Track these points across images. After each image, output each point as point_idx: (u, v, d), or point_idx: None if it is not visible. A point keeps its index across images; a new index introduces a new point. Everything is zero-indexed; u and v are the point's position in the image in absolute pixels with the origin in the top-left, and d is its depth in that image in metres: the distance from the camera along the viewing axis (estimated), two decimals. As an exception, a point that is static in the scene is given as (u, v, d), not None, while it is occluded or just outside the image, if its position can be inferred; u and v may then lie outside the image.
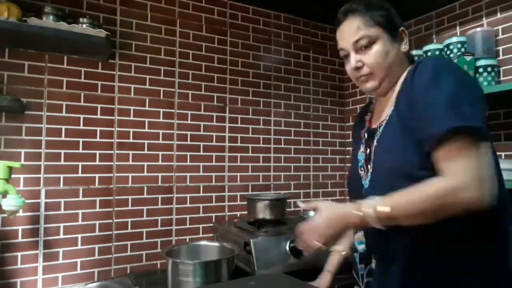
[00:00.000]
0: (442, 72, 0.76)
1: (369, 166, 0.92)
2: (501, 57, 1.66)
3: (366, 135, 0.98)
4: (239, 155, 1.90)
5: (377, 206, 0.76)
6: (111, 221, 1.57)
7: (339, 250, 1.16)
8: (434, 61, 0.80)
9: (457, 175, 0.70)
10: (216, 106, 1.86)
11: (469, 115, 0.71)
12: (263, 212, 1.58)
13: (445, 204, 0.70)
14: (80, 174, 1.53)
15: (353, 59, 0.91)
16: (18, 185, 1.41)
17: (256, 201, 1.60)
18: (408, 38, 0.93)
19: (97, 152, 1.57)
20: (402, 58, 0.92)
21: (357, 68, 0.91)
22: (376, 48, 0.89)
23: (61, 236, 1.48)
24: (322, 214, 0.84)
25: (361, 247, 1.00)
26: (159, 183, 1.69)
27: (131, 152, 1.64)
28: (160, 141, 1.70)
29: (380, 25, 0.89)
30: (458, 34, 1.85)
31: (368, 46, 0.89)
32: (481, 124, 0.71)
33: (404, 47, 0.92)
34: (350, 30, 0.90)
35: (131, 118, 1.65)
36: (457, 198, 0.69)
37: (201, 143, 1.81)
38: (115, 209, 1.59)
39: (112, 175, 1.59)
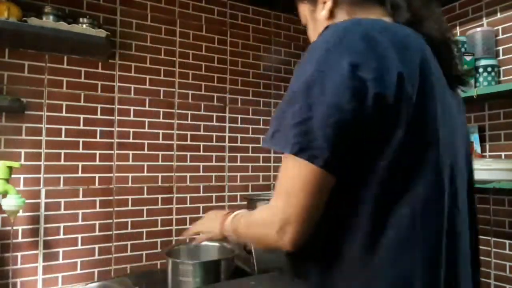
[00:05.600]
0: (301, 66, 0.58)
1: None
2: (501, 57, 1.66)
3: None
4: (239, 155, 1.90)
5: (230, 225, 0.81)
6: (111, 221, 1.57)
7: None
8: (312, 44, 0.59)
9: (270, 209, 0.60)
10: (216, 106, 1.86)
11: (288, 137, 0.54)
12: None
13: (257, 239, 0.69)
14: (80, 174, 1.53)
15: None
16: (18, 185, 1.41)
17: (256, 201, 1.60)
18: (329, 1, 0.69)
19: (97, 152, 1.57)
20: (320, 29, 0.66)
21: None
22: (308, 26, 0.78)
23: (61, 236, 1.48)
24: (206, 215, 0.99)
25: None
26: (159, 183, 1.69)
27: (131, 152, 1.64)
28: (160, 141, 1.70)
29: (302, 0, 0.78)
30: (458, 34, 1.85)
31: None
32: (296, 145, 0.53)
33: (320, 14, 0.70)
34: None
35: (131, 118, 1.65)
36: (263, 235, 0.62)
37: (201, 143, 1.81)
38: (115, 209, 1.59)
39: (112, 175, 1.59)
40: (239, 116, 1.92)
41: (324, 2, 0.69)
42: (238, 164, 1.90)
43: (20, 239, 1.41)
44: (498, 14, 1.67)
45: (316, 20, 0.73)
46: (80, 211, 1.52)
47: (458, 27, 1.87)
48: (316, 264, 0.61)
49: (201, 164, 1.80)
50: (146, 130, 1.68)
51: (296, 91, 0.55)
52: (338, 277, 0.58)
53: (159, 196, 1.69)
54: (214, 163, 1.83)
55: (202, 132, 1.81)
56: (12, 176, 1.27)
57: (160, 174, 1.69)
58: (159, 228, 1.68)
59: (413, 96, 0.53)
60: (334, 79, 0.52)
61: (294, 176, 0.55)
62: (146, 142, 1.67)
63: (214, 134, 1.84)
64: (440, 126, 0.56)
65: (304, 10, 0.77)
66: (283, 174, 0.58)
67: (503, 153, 1.65)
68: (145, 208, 1.65)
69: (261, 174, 1.96)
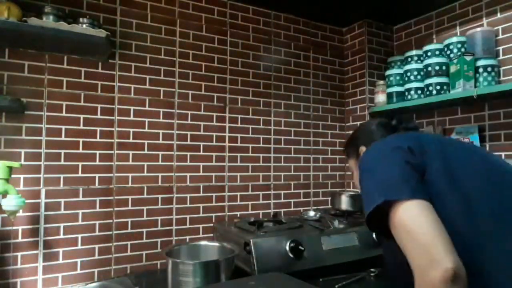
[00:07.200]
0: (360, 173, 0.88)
1: None
2: (501, 57, 1.66)
3: None
4: (239, 155, 1.91)
5: None
6: (111, 221, 1.57)
7: None
8: (362, 159, 0.91)
9: (411, 265, 0.69)
10: (216, 106, 1.86)
11: (376, 194, 0.78)
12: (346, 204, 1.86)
13: None
14: (80, 174, 1.53)
15: None
16: (18, 185, 1.41)
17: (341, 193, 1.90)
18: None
19: (97, 152, 1.57)
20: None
21: None
22: (354, 174, 1.12)
23: (61, 236, 1.48)
24: None
25: None
26: (159, 183, 1.69)
27: (131, 152, 1.64)
28: (160, 141, 1.70)
29: (349, 157, 1.16)
30: (458, 34, 1.85)
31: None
32: (387, 194, 0.75)
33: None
34: None
35: (131, 118, 1.65)
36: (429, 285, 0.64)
37: (201, 143, 1.81)
38: (115, 209, 1.59)
39: (112, 175, 1.59)
40: (239, 116, 1.92)
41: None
42: (238, 164, 1.90)
43: (20, 239, 1.41)
44: (498, 14, 1.67)
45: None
46: (80, 211, 1.52)
47: (458, 27, 1.87)
48: None
49: (201, 164, 1.80)
50: (146, 130, 1.68)
51: (365, 177, 0.85)
52: None
53: (159, 196, 1.69)
54: (214, 163, 1.83)
55: (202, 132, 1.81)
56: (12, 176, 1.27)
57: (160, 174, 1.69)
58: (159, 228, 1.68)
59: (423, 157, 0.81)
60: (394, 156, 0.82)
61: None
62: (146, 142, 1.67)
63: (214, 134, 1.84)
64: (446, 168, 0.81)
65: (352, 164, 1.15)
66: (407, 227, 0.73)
67: (503, 153, 1.65)
68: (145, 208, 1.65)
69: (261, 174, 1.96)
